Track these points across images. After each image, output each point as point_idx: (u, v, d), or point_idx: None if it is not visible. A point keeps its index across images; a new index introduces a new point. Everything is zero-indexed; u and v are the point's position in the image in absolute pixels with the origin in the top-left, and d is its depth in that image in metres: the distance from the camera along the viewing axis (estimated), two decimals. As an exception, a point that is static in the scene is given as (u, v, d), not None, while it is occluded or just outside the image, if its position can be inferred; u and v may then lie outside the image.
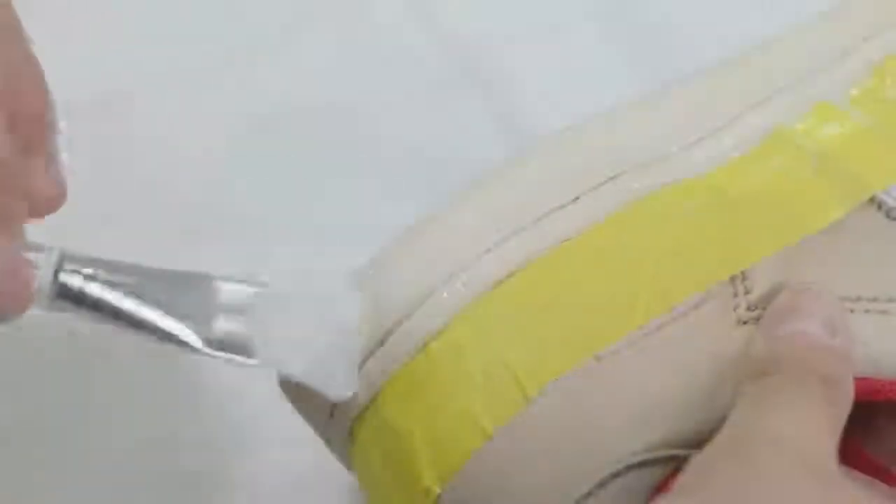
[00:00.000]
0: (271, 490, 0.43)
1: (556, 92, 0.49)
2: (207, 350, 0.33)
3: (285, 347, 0.34)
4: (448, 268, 0.34)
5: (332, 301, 0.34)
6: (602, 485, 0.33)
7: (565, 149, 0.36)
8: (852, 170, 0.36)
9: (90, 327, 0.33)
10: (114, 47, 0.50)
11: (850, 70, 0.37)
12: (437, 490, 0.34)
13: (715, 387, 0.34)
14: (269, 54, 0.51)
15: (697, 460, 0.31)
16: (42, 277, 0.32)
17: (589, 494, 0.33)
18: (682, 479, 0.31)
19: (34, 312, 0.32)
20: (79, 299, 0.32)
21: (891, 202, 0.36)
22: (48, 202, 0.33)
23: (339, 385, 0.34)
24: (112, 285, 0.32)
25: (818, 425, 0.32)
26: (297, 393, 0.36)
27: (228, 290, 0.34)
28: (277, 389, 0.37)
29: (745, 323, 0.35)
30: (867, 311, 0.35)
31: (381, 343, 0.34)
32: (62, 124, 0.34)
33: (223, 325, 0.33)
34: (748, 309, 0.35)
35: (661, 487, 0.33)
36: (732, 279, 0.35)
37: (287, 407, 0.37)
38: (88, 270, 0.32)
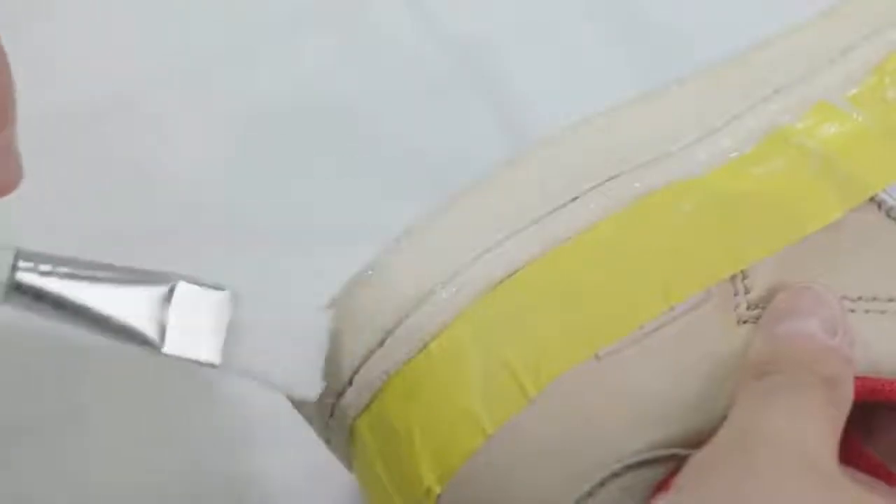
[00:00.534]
0: (272, 489, 0.43)
1: (556, 92, 0.49)
2: (168, 350, 0.33)
3: (247, 350, 0.33)
4: (448, 268, 0.34)
5: (298, 308, 0.34)
6: (602, 484, 0.33)
7: (565, 148, 0.36)
8: (852, 169, 0.36)
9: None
10: (114, 48, 0.50)
11: (849, 69, 0.37)
12: (437, 490, 0.34)
13: (715, 386, 0.34)
14: (269, 54, 0.51)
15: (697, 459, 0.31)
16: None
17: (589, 494, 0.33)
18: (682, 478, 0.31)
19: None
20: (38, 295, 0.32)
21: (891, 201, 0.36)
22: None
23: (303, 386, 0.34)
24: (71, 281, 0.32)
25: (818, 425, 0.32)
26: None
27: (192, 292, 0.33)
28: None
29: (744, 322, 0.35)
30: (867, 310, 0.35)
31: (381, 343, 0.34)
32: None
33: (185, 326, 0.33)
34: (748, 308, 0.35)
35: (660, 486, 0.33)
36: (732, 278, 0.35)
37: (287, 407, 0.37)
38: (46, 267, 0.32)
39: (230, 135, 0.49)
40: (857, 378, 0.34)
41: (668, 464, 0.33)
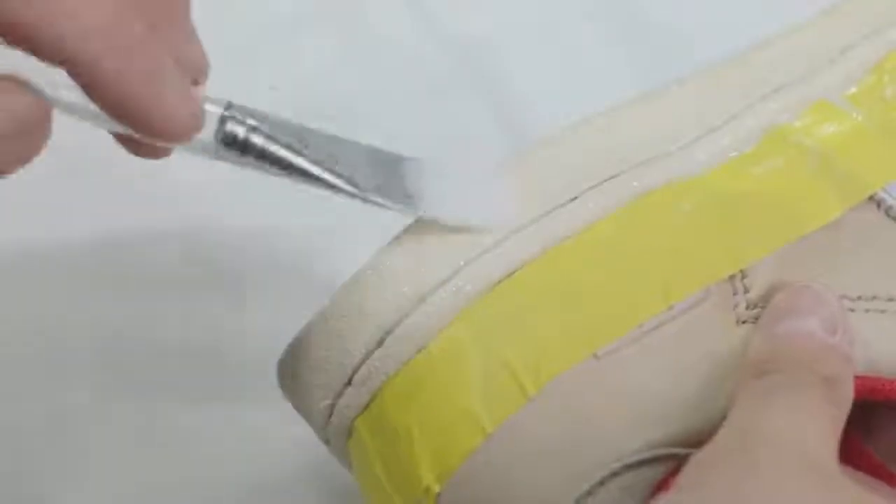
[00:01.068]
0: (272, 490, 0.43)
1: (556, 92, 0.49)
2: (369, 196, 0.34)
3: (438, 199, 0.35)
4: (448, 268, 0.34)
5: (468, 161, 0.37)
6: (602, 484, 0.33)
7: (565, 148, 0.36)
8: (851, 168, 0.36)
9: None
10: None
11: (849, 68, 0.37)
12: (437, 489, 0.34)
13: (714, 385, 0.34)
14: (269, 54, 0.51)
15: (697, 459, 0.31)
16: (209, 118, 0.33)
17: (588, 493, 0.33)
18: (682, 477, 0.31)
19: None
20: (243, 146, 0.34)
21: (890, 200, 0.36)
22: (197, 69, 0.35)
23: (487, 217, 0.35)
24: (275, 137, 0.34)
25: (818, 425, 0.32)
26: (298, 394, 0.36)
27: (382, 153, 0.36)
28: (278, 391, 0.37)
29: (744, 322, 0.35)
30: (867, 310, 0.35)
31: (381, 343, 0.34)
32: None
33: (380, 179, 0.35)
34: (747, 308, 0.35)
35: (660, 486, 0.33)
36: (731, 278, 0.35)
37: (287, 408, 0.37)
38: (253, 122, 0.34)
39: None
40: (856, 377, 0.34)
41: (668, 463, 0.33)
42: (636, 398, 0.34)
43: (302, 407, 0.37)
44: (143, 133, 0.32)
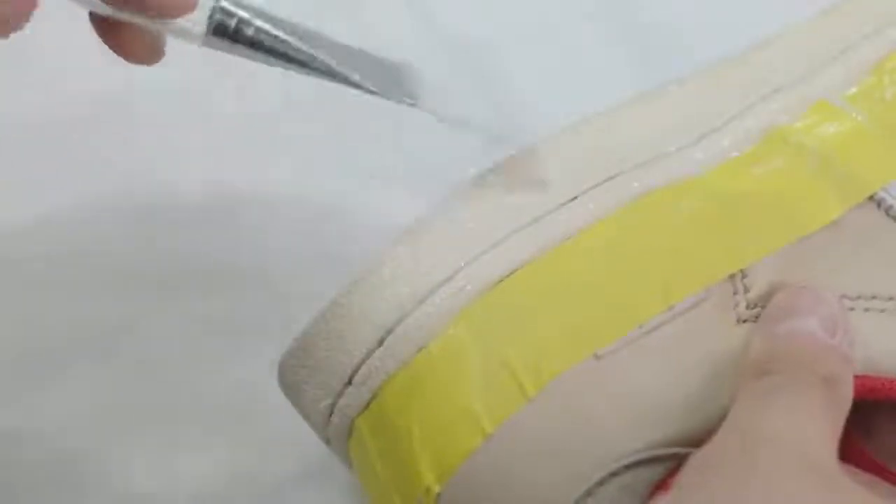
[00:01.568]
0: (271, 490, 0.43)
1: (556, 92, 0.49)
2: (364, 83, 0.35)
3: (440, 101, 0.36)
4: (448, 267, 0.34)
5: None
6: (601, 483, 0.33)
7: (564, 148, 0.36)
8: (851, 168, 0.36)
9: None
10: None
11: (849, 68, 0.37)
12: (437, 489, 0.34)
13: (714, 385, 0.34)
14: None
15: (697, 459, 0.31)
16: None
17: (588, 493, 0.33)
18: (681, 477, 0.31)
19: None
20: (235, 33, 0.34)
21: (890, 200, 0.36)
22: None
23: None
24: (268, 25, 0.34)
25: (818, 424, 0.32)
26: (298, 394, 0.36)
27: (381, 58, 0.36)
28: (278, 392, 0.37)
29: (744, 322, 0.35)
30: (867, 309, 0.35)
31: (381, 342, 0.34)
32: None
33: (377, 71, 0.35)
34: (747, 307, 0.35)
35: (660, 486, 0.33)
36: (731, 278, 0.35)
37: (287, 408, 0.37)
38: (245, 14, 0.34)
39: (230, 134, 0.49)
40: (856, 377, 0.34)
41: (668, 463, 0.33)
42: (636, 398, 0.34)
43: (302, 407, 0.37)
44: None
